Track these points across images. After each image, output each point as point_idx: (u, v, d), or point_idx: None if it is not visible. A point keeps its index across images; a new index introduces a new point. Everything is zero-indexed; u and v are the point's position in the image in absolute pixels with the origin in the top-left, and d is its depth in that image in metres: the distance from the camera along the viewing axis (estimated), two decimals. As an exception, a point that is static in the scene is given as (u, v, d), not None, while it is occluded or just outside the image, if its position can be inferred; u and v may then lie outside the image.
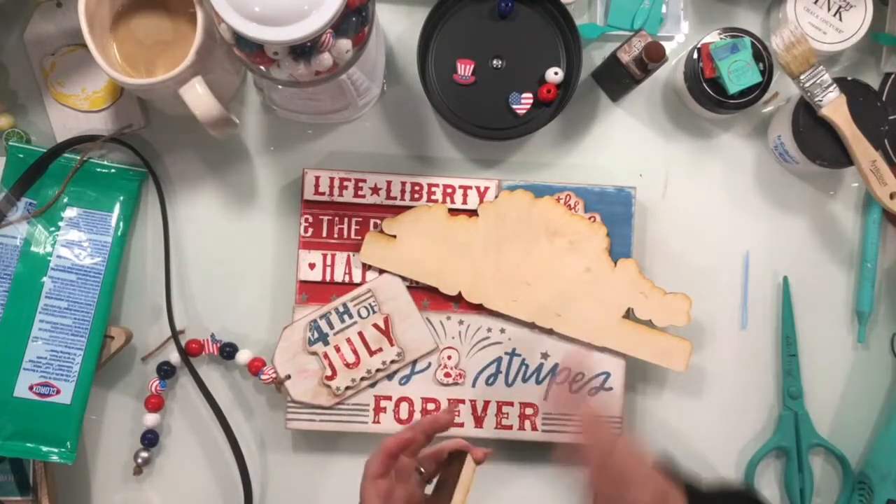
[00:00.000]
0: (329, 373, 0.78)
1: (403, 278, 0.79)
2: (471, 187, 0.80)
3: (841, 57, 0.84)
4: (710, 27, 0.81)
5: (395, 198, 0.80)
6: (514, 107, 0.79)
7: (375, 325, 0.79)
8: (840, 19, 0.80)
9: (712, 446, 0.82)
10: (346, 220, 0.80)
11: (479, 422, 0.79)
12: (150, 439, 0.80)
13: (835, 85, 0.77)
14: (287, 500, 0.81)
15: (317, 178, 0.79)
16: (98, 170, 0.80)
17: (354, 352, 0.78)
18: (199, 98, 0.71)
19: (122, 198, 0.80)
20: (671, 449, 0.82)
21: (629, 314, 0.79)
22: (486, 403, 0.79)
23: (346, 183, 0.79)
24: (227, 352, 0.80)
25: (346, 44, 0.67)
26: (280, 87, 0.71)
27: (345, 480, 0.81)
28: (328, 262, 0.79)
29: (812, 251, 0.84)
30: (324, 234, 0.79)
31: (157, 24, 0.75)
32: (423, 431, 0.66)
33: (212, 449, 0.81)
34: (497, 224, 0.79)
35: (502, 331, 0.79)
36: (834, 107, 0.77)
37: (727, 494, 0.71)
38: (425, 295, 0.79)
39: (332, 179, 0.79)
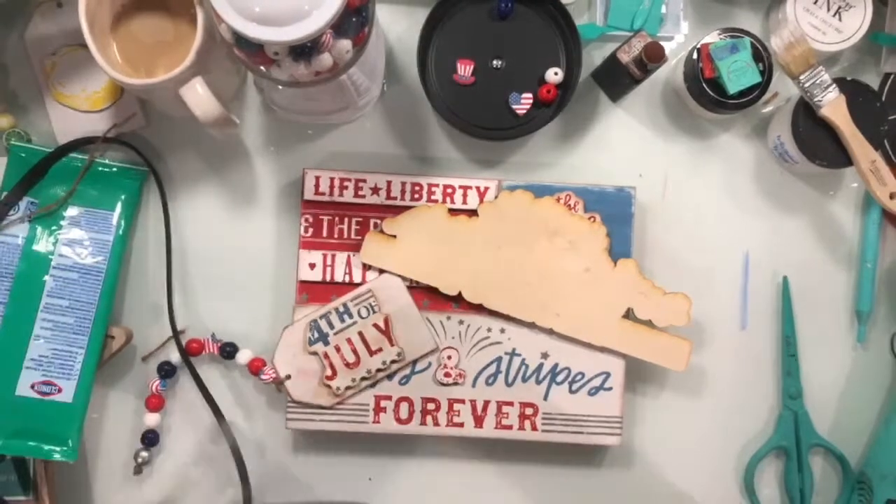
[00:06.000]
0: (329, 373, 0.78)
1: (403, 278, 0.79)
2: (471, 187, 0.80)
3: (841, 57, 0.84)
4: (709, 27, 0.81)
5: (395, 198, 0.80)
6: (514, 107, 0.79)
7: (375, 325, 0.79)
8: (840, 19, 0.80)
9: (712, 446, 0.82)
10: (346, 220, 0.80)
11: (478, 422, 0.79)
12: (151, 439, 0.80)
13: (834, 85, 0.77)
14: (287, 500, 0.82)
15: (317, 178, 0.80)
16: (100, 169, 0.80)
17: (354, 352, 0.78)
18: (199, 98, 0.71)
19: (123, 197, 0.80)
20: (670, 449, 0.82)
21: (629, 314, 0.79)
22: (486, 403, 0.79)
23: (346, 183, 0.80)
24: (228, 352, 0.80)
25: (346, 44, 0.67)
26: (280, 87, 0.71)
27: (344, 480, 0.82)
28: (328, 262, 0.79)
29: (812, 251, 0.84)
30: (324, 234, 0.80)
31: (157, 24, 0.75)
32: None
33: (212, 449, 0.81)
34: (497, 224, 0.79)
35: (502, 331, 0.79)
36: (834, 107, 0.77)
37: None
38: (425, 295, 0.79)
39: (332, 179, 0.80)
